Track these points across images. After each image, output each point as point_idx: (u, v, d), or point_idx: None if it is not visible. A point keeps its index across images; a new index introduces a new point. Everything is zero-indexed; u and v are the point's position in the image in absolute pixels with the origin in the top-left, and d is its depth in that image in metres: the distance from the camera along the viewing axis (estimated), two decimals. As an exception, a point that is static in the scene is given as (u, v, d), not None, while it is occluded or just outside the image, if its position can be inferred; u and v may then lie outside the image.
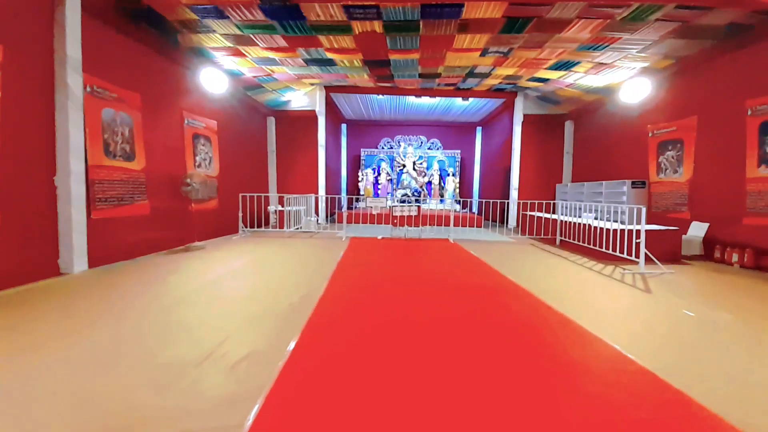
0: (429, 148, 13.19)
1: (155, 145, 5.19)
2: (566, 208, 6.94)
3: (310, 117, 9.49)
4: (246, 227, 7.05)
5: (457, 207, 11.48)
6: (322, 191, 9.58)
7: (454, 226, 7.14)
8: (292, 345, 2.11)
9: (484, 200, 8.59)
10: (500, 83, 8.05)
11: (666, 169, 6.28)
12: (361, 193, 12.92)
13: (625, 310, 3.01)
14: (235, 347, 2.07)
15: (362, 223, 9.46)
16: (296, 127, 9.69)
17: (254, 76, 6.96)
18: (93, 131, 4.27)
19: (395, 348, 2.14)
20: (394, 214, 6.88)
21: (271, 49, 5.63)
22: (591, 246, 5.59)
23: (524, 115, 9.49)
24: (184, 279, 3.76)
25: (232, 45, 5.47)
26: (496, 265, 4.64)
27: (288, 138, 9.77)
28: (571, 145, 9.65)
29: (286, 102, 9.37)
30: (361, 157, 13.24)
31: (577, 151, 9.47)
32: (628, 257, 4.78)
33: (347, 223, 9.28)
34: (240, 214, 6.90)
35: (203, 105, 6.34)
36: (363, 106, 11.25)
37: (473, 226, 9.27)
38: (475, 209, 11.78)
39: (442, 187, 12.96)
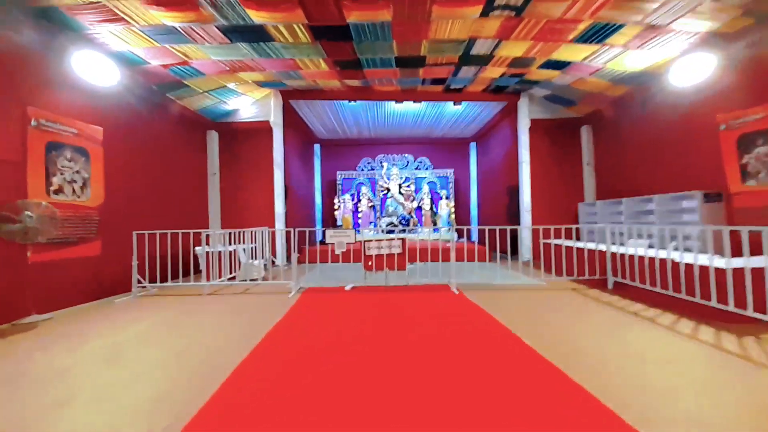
0: (417, 168, 11.22)
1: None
2: (619, 234, 4.85)
3: (264, 130, 7.49)
4: (144, 281, 4.66)
5: (455, 236, 9.33)
6: (279, 224, 7.37)
7: (456, 261, 4.93)
8: None
9: (497, 227, 6.05)
10: (502, 75, 6.23)
11: (758, 173, 4.32)
12: (339, 223, 10.76)
13: None
14: None
15: (333, 262, 7.19)
16: (248, 143, 7.65)
17: (162, 65, 4.91)
18: None
19: None
20: (367, 253, 4.66)
21: (159, 3, 3.62)
22: (682, 296, 3.45)
23: (531, 120, 7.70)
24: None
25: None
26: (546, 350, 2.43)
27: (237, 157, 7.69)
28: (591, 155, 7.80)
29: (232, 111, 7.38)
30: (337, 182, 11.20)
31: (601, 161, 7.60)
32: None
33: (317, 262, 7.02)
34: (135, 263, 4.53)
35: (75, 103, 4.24)
36: (335, 119, 9.35)
37: (479, 260, 7.08)
38: (474, 237, 9.64)
39: (435, 213, 10.88)
